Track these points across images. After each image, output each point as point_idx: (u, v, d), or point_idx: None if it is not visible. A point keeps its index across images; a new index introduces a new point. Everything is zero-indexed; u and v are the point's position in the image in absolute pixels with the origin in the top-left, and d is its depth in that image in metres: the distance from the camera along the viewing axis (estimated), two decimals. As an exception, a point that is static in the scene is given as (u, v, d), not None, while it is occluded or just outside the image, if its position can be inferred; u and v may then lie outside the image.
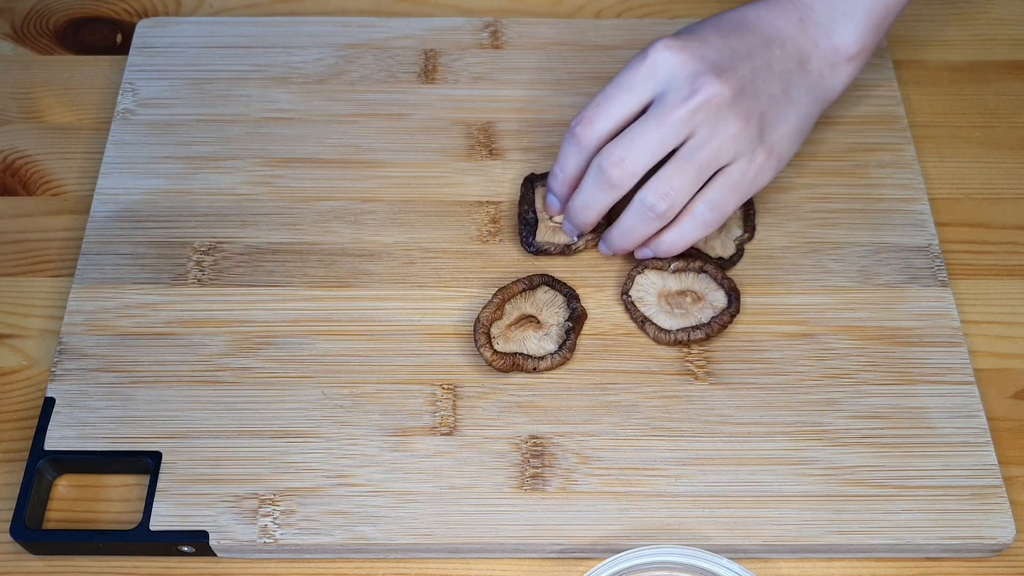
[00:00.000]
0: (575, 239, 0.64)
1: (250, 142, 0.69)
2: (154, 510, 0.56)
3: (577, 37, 0.74)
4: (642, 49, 0.58)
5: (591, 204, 0.60)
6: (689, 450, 0.58)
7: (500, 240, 0.65)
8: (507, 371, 0.59)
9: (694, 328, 0.61)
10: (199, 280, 0.63)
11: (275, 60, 0.72)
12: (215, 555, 0.56)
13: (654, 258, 0.62)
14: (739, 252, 0.64)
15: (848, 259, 0.64)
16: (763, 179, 0.60)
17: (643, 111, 0.58)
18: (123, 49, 0.75)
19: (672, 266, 0.63)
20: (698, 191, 0.59)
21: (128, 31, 0.76)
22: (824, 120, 0.69)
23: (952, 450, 0.58)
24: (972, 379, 0.60)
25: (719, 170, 0.58)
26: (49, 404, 0.59)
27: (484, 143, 0.69)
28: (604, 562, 0.51)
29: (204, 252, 0.64)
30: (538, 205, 0.65)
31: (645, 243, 0.61)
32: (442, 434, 0.58)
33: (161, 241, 0.65)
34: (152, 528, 0.55)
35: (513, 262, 0.64)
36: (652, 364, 0.61)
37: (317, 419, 0.58)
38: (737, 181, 0.58)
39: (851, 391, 0.60)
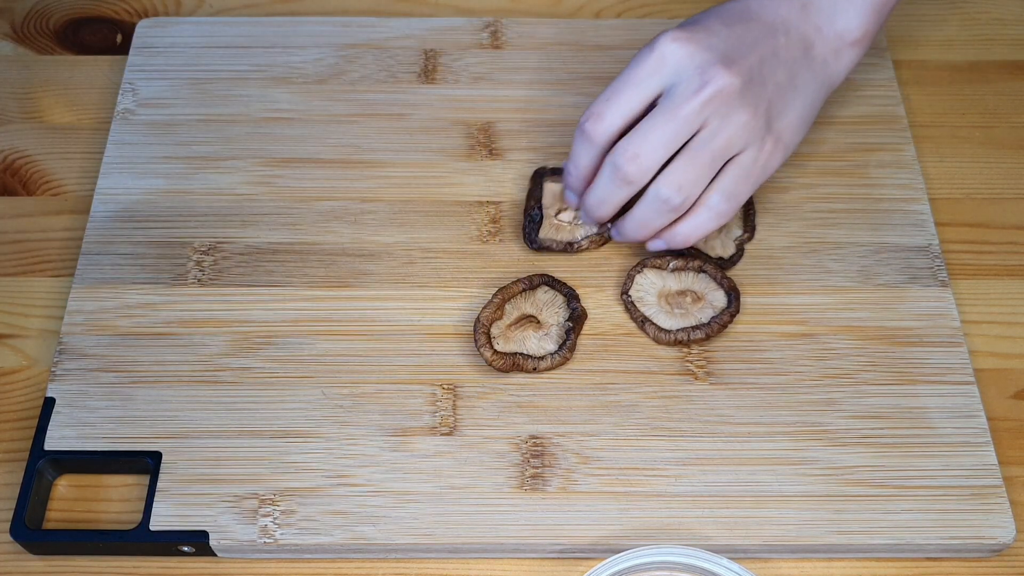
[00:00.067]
0: (594, 231, 0.64)
1: (250, 142, 0.69)
2: (154, 510, 0.56)
3: (577, 37, 0.74)
4: (648, 42, 0.58)
5: (606, 200, 0.60)
6: (689, 450, 0.58)
7: (500, 240, 0.65)
8: (507, 371, 0.59)
9: (694, 328, 0.61)
10: (199, 280, 0.63)
11: (275, 60, 0.72)
12: (215, 555, 0.56)
13: (667, 250, 0.61)
14: (739, 252, 0.64)
15: (848, 259, 0.64)
16: (772, 167, 0.60)
17: (652, 104, 0.58)
18: (123, 49, 0.75)
19: (671, 265, 0.63)
20: (710, 182, 0.59)
21: (128, 31, 0.76)
22: (824, 120, 0.69)
23: (952, 450, 0.58)
24: (972, 379, 0.60)
25: (729, 160, 0.58)
26: (49, 404, 0.59)
27: (484, 143, 0.69)
28: (604, 562, 0.51)
29: (204, 252, 0.64)
30: (546, 201, 0.65)
31: (658, 234, 0.61)
32: (442, 434, 0.58)
33: (161, 241, 0.65)
34: (152, 528, 0.55)
35: (513, 262, 0.64)
36: (652, 364, 0.61)
37: (317, 419, 0.58)
38: (749, 170, 0.58)
39: (851, 391, 0.60)
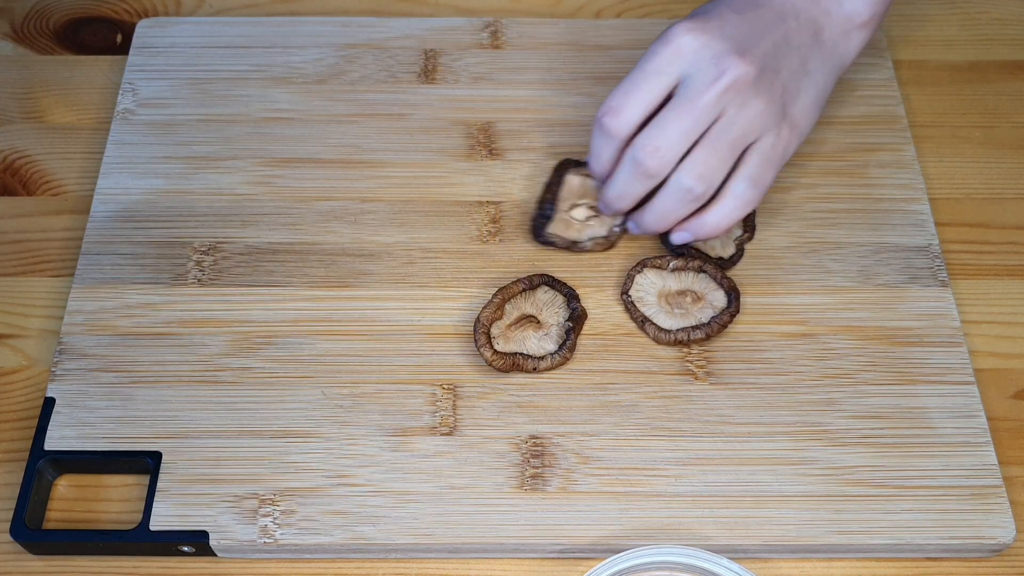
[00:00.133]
0: (601, 234, 0.64)
1: (250, 142, 0.69)
2: (154, 510, 0.56)
3: (577, 37, 0.74)
4: (661, 34, 0.58)
5: (626, 194, 0.60)
6: (689, 450, 0.58)
7: (500, 240, 0.65)
8: (507, 371, 0.59)
9: (694, 328, 0.61)
10: (199, 280, 0.63)
11: (275, 60, 0.72)
12: (215, 555, 0.56)
13: (694, 240, 0.61)
14: (739, 252, 0.64)
15: (848, 259, 0.64)
16: (790, 152, 0.60)
17: (668, 96, 0.58)
18: (123, 49, 0.75)
19: (671, 265, 0.63)
20: (732, 171, 0.59)
21: (128, 31, 0.76)
22: (824, 120, 0.69)
23: (952, 450, 0.58)
24: (972, 379, 0.60)
25: (747, 148, 0.58)
26: (49, 404, 0.59)
27: (484, 143, 0.69)
28: (604, 562, 0.51)
29: (204, 252, 0.64)
30: (562, 194, 0.65)
31: (682, 226, 0.61)
32: (442, 434, 0.58)
33: (161, 241, 0.65)
34: (152, 528, 0.55)
35: (513, 262, 0.64)
36: (652, 364, 0.61)
37: (317, 419, 0.58)
38: (769, 155, 0.59)
39: (851, 391, 0.60)
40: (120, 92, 0.71)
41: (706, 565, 0.51)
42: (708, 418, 0.59)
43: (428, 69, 0.72)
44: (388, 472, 0.57)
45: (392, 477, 0.57)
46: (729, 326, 0.61)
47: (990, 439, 0.58)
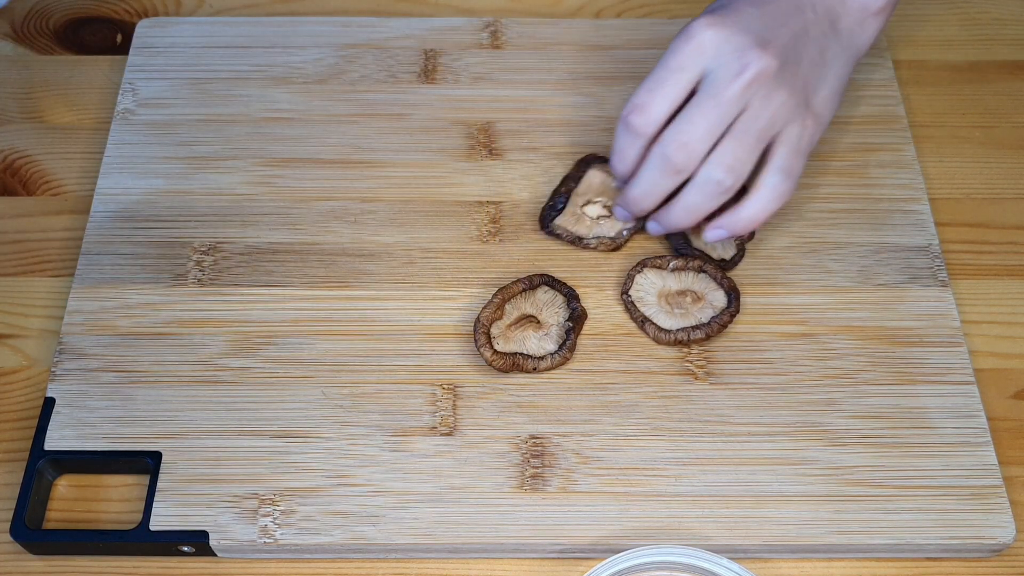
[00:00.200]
0: (608, 235, 0.64)
1: (250, 142, 0.69)
2: (154, 510, 0.56)
3: (577, 37, 0.74)
4: (681, 30, 0.58)
5: (652, 192, 0.60)
6: (689, 450, 0.58)
7: (500, 240, 0.65)
8: (507, 371, 0.59)
9: (694, 328, 0.61)
10: (199, 280, 0.63)
11: (275, 60, 0.72)
12: (215, 555, 0.56)
13: (728, 237, 0.61)
14: (740, 252, 0.64)
15: (848, 259, 0.64)
16: (814, 142, 0.60)
17: (691, 92, 0.58)
18: (123, 49, 0.75)
19: (671, 265, 0.63)
20: (760, 165, 0.59)
21: (128, 31, 0.76)
22: (824, 120, 0.69)
23: (952, 450, 0.58)
24: (972, 379, 0.60)
25: (773, 140, 0.58)
26: (49, 404, 0.59)
27: (484, 143, 0.69)
28: (604, 562, 0.51)
29: (204, 252, 0.64)
30: (579, 189, 0.65)
31: (716, 223, 0.60)
32: (442, 434, 0.58)
33: (161, 241, 0.65)
34: (152, 528, 0.55)
35: (513, 262, 0.64)
36: (652, 364, 0.61)
37: (317, 419, 0.58)
38: (796, 145, 0.59)
39: (851, 391, 0.60)
40: (120, 92, 0.71)
41: (706, 565, 0.51)
42: (708, 418, 0.59)
43: (428, 69, 0.72)
44: (388, 472, 0.57)
45: (392, 477, 0.57)
46: (729, 326, 0.61)
47: (990, 439, 0.58)
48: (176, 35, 0.73)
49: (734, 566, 0.51)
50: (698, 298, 0.62)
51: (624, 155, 0.60)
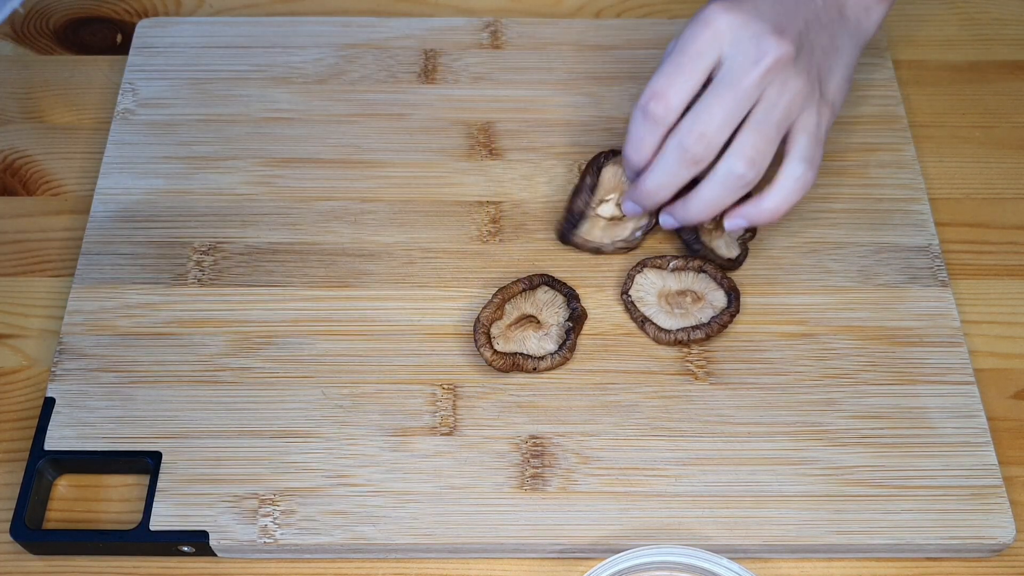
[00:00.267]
0: (620, 238, 0.63)
1: (250, 142, 0.69)
2: (154, 510, 0.56)
3: (577, 37, 0.74)
4: (695, 16, 0.57)
5: (669, 183, 0.58)
6: (689, 450, 0.58)
7: (500, 240, 0.65)
8: (507, 371, 0.59)
9: (694, 328, 0.61)
10: (199, 280, 0.63)
11: (275, 60, 0.72)
12: (215, 555, 0.56)
13: (748, 226, 0.60)
14: (744, 252, 0.64)
15: (848, 259, 0.64)
16: (828, 130, 0.60)
17: (708, 78, 0.57)
18: (123, 49, 0.75)
19: (671, 265, 0.63)
20: (778, 154, 0.58)
21: (128, 31, 0.76)
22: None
23: (952, 450, 0.58)
24: (972, 379, 0.60)
25: (790, 129, 0.58)
26: (49, 404, 0.59)
27: (484, 143, 0.69)
28: (604, 562, 0.51)
29: (204, 252, 0.64)
30: (599, 193, 0.64)
31: (736, 212, 0.59)
32: (442, 434, 0.58)
33: (161, 241, 0.65)
34: (152, 528, 0.55)
35: (513, 262, 0.64)
36: (652, 364, 0.61)
37: (317, 419, 0.58)
38: (814, 133, 0.58)
39: (851, 391, 0.60)
40: (120, 92, 0.71)
41: (706, 565, 0.51)
42: (708, 418, 0.59)
43: (428, 69, 0.72)
44: (388, 472, 0.57)
45: (392, 477, 0.57)
46: (729, 326, 0.61)
47: (990, 439, 0.58)
48: (176, 35, 0.73)
49: (734, 566, 0.51)
50: (698, 298, 0.62)
51: (641, 144, 0.58)
